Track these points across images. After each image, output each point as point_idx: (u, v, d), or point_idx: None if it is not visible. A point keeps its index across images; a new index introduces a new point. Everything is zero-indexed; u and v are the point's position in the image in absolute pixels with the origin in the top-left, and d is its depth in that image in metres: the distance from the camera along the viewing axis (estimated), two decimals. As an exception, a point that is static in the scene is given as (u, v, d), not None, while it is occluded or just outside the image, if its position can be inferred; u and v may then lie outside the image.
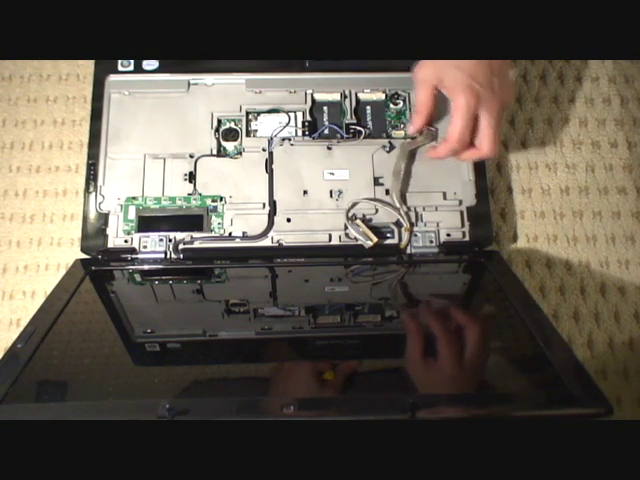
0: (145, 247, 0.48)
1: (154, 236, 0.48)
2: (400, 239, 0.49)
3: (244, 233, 0.49)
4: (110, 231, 0.48)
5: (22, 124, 0.56)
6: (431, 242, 0.49)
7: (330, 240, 0.49)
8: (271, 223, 0.49)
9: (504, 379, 0.37)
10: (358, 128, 0.51)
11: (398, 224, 0.49)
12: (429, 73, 0.44)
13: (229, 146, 0.51)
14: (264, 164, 0.50)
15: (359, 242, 0.48)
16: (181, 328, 0.42)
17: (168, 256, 0.48)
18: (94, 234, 0.48)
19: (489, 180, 0.53)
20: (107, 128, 0.50)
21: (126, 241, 0.48)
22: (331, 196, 0.50)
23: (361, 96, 0.52)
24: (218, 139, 0.51)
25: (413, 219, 0.49)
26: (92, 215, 0.49)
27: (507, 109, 0.45)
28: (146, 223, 0.48)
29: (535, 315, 0.39)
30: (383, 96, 0.53)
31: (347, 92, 0.52)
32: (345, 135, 0.51)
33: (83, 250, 0.48)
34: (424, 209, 0.50)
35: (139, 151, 0.50)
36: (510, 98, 0.46)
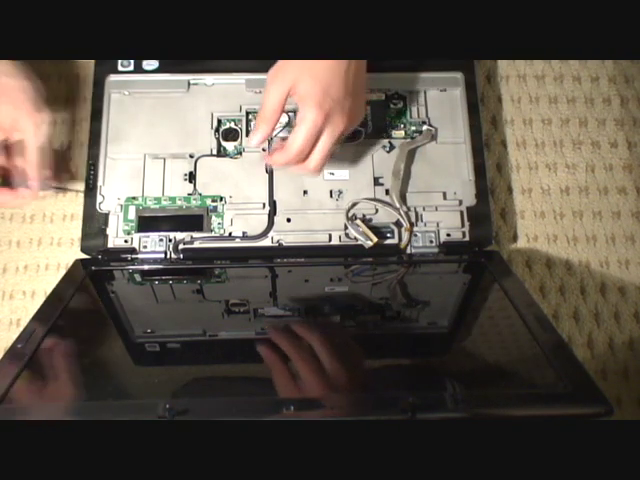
0: (145, 247, 0.48)
1: (154, 236, 0.48)
2: (400, 239, 0.49)
3: (244, 233, 0.49)
4: (110, 231, 0.48)
5: (22, 124, 0.56)
6: (431, 242, 0.49)
7: (330, 240, 0.49)
8: (271, 223, 0.49)
9: (504, 379, 0.37)
10: (358, 128, 0.51)
11: (398, 224, 0.49)
12: (286, 76, 0.40)
13: (229, 146, 0.51)
14: (264, 164, 0.50)
15: (359, 242, 0.48)
16: (181, 328, 0.42)
17: (168, 256, 0.48)
18: (94, 234, 0.48)
19: (489, 180, 0.53)
20: (107, 128, 0.50)
21: (126, 241, 0.48)
22: (331, 196, 0.50)
23: (361, 96, 0.53)
24: (218, 139, 0.51)
25: (413, 219, 0.49)
26: (92, 215, 0.49)
27: (351, 129, 0.44)
28: (146, 223, 0.48)
29: (535, 315, 0.39)
30: (383, 96, 0.53)
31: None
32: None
33: (83, 250, 0.48)
34: (424, 209, 0.50)
35: (139, 151, 0.50)
36: (357, 121, 0.44)
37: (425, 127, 0.52)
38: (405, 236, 0.49)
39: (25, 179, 0.43)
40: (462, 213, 0.50)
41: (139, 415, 0.31)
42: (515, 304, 0.41)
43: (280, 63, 0.41)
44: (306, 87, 0.40)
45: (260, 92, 0.51)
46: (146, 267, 0.47)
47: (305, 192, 0.50)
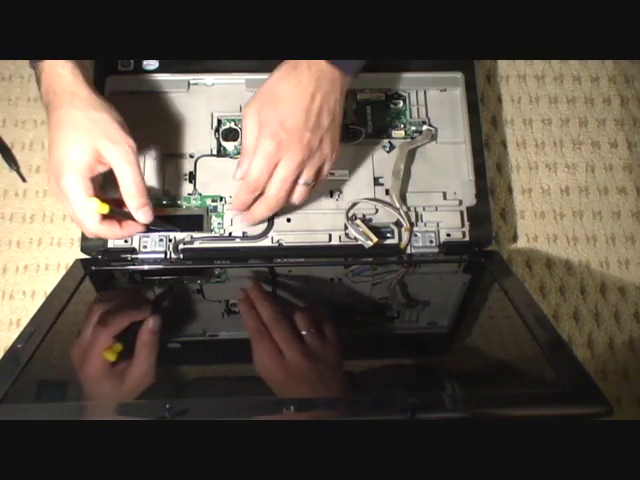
0: (145, 247, 0.48)
1: (154, 236, 0.48)
2: (400, 239, 0.49)
3: (244, 233, 0.49)
4: (110, 231, 0.48)
5: (22, 124, 0.56)
6: (431, 242, 0.49)
7: (330, 240, 0.49)
8: (271, 223, 0.49)
9: (504, 379, 0.37)
10: (358, 128, 0.51)
11: (398, 224, 0.49)
12: (255, 107, 0.42)
13: (229, 146, 0.51)
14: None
15: (359, 242, 0.48)
16: (181, 328, 0.42)
17: (168, 256, 0.48)
18: (94, 234, 0.48)
19: (489, 180, 0.53)
20: (107, 128, 0.50)
21: (126, 241, 0.48)
22: (331, 196, 0.50)
23: (361, 96, 0.52)
24: (218, 139, 0.51)
25: (413, 219, 0.49)
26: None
27: (318, 164, 0.43)
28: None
29: (535, 315, 0.39)
30: (383, 96, 0.53)
31: (347, 92, 0.52)
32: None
33: (83, 250, 0.48)
34: (424, 209, 0.50)
35: (139, 151, 0.50)
36: (323, 155, 0.43)
37: (425, 127, 0.52)
38: (405, 236, 0.49)
39: (127, 210, 0.42)
40: (462, 213, 0.50)
41: (139, 415, 0.31)
42: (515, 304, 0.41)
43: (251, 99, 0.43)
44: (266, 116, 0.41)
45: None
46: (146, 267, 0.47)
47: (305, 192, 0.50)
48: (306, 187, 0.43)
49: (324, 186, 0.47)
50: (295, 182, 0.43)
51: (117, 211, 0.41)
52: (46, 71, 0.41)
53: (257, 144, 0.41)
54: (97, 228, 0.41)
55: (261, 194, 0.43)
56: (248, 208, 0.45)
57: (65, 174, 0.39)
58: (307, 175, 0.43)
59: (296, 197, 0.44)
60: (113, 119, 0.41)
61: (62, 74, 0.40)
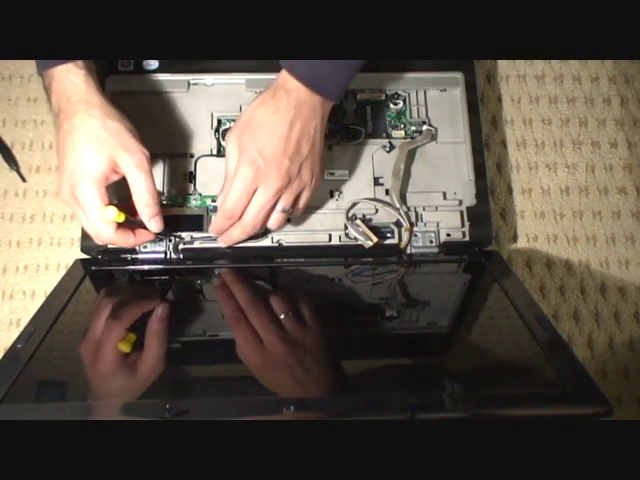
0: (145, 247, 0.48)
1: (154, 236, 0.48)
2: (400, 239, 0.49)
3: (244, 233, 0.49)
4: (110, 231, 0.48)
5: (22, 124, 0.56)
6: (431, 242, 0.49)
7: (330, 240, 0.49)
8: (271, 223, 0.49)
9: (504, 379, 0.37)
10: (358, 128, 0.51)
11: (398, 224, 0.49)
12: (235, 134, 0.42)
13: (229, 146, 0.51)
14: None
15: (359, 242, 0.48)
16: (181, 328, 0.42)
17: (168, 256, 0.48)
18: (94, 234, 0.48)
19: (489, 180, 0.53)
20: (107, 128, 0.50)
21: (126, 241, 0.48)
22: (331, 196, 0.50)
23: (361, 96, 0.52)
24: (218, 139, 0.51)
25: (413, 219, 0.49)
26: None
27: (297, 190, 0.43)
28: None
29: (535, 315, 0.39)
30: (383, 96, 0.53)
31: (347, 92, 0.52)
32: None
33: (83, 250, 0.48)
34: (424, 209, 0.50)
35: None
36: (302, 183, 0.43)
37: (425, 127, 0.52)
38: (405, 236, 0.49)
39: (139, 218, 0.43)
40: (462, 213, 0.50)
41: (140, 415, 0.31)
42: (515, 304, 0.41)
43: (234, 123, 0.43)
44: (245, 143, 0.41)
45: (260, 92, 0.51)
46: (146, 267, 0.47)
47: (305, 192, 0.49)
48: (283, 214, 0.44)
49: (300, 213, 0.46)
50: (273, 208, 0.43)
51: (131, 220, 0.42)
52: (57, 78, 0.41)
53: (235, 170, 0.41)
54: (112, 236, 0.42)
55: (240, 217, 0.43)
56: (225, 232, 0.45)
57: (81, 183, 0.40)
58: (284, 202, 0.43)
59: (272, 224, 0.44)
60: (127, 129, 0.41)
61: (75, 82, 0.41)
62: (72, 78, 0.41)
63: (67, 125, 0.41)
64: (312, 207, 0.49)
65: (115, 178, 0.42)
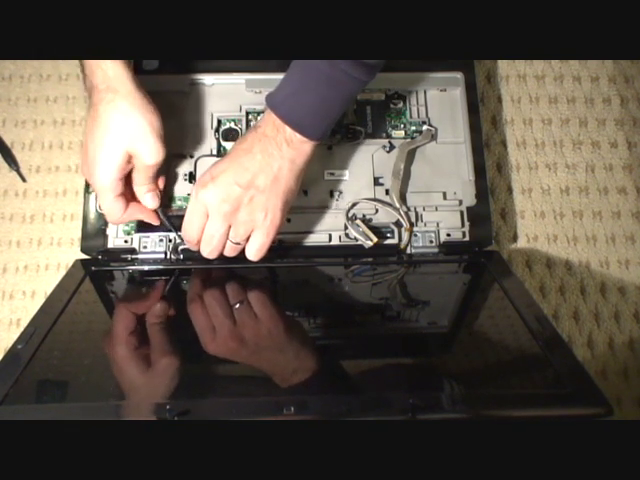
0: (145, 247, 0.48)
1: (154, 236, 0.48)
2: (400, 239, 0.49)
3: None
4: (110, 231, 0.48)
5: (22, 124, 0.56)
6: (431, 242, 0.49)
7: (330, 240, 0.49)
8: (271, 223, 0.49)
9: (504, 379, 0.37)
10: (358, 128, 0.51)
11: (398, 224, 0.49)
12: (202, 180, 0.43)
13: (229, 146, 0.51)
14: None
15: (359, 242, 0.48)
16: (181, 328, 0.42)
17: (168, 256, 0.48)
18: (94, 234, 0.48)
19: (489, 180, 0.53)
20: (107, 128, 0.50)
21: (126, 241, 0.48)
22: (331, 196, 0.50)
23: (361, 96, 0.52)
24: (218, 139, 0.51)
25: (413, 219, 0.49)
26: (92, 215, 0.49)
27: (263, 235, 0.42)
28: (146, 223, 0.48)
29: (535, 315, 0.39)
30: (383, 96, 0.53)
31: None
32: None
33: (83, 250, 0.48)
34: (424, 209, 0.50)
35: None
36: (257, 220, 0.42)
37: (425, 127, 0.52)
38: (405, 236, 0.49)
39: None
40: (462, 213, 0.50)
41: (140, 416, 0.31)
42: (515, 304, 0.41)
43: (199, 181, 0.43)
44: (207, 169, 0.43)
45: (260, 92, 0.51)
46: (146, 267, 0.47)
47: (305, 192, 0.50)
48: (236, 246, 0.43)
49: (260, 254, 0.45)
50: (227, 237, 0.43)
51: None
52: (88, 63, 0.41)
53: (192, 193, 0.43)
54: (121, 218, 0.44)
55: None
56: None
57: (97, 175, 0.42)
58: (234, 233, 0.43)
59: (227, 252, 0.44)
60: (149, 123, 0.42)
61: (104, 69, 0.41)
62: (102, 65, 0.41)
63: (93, 111, 0.41)
64: (312, 207, 0.49)
65: (130, 167, 0.43)
